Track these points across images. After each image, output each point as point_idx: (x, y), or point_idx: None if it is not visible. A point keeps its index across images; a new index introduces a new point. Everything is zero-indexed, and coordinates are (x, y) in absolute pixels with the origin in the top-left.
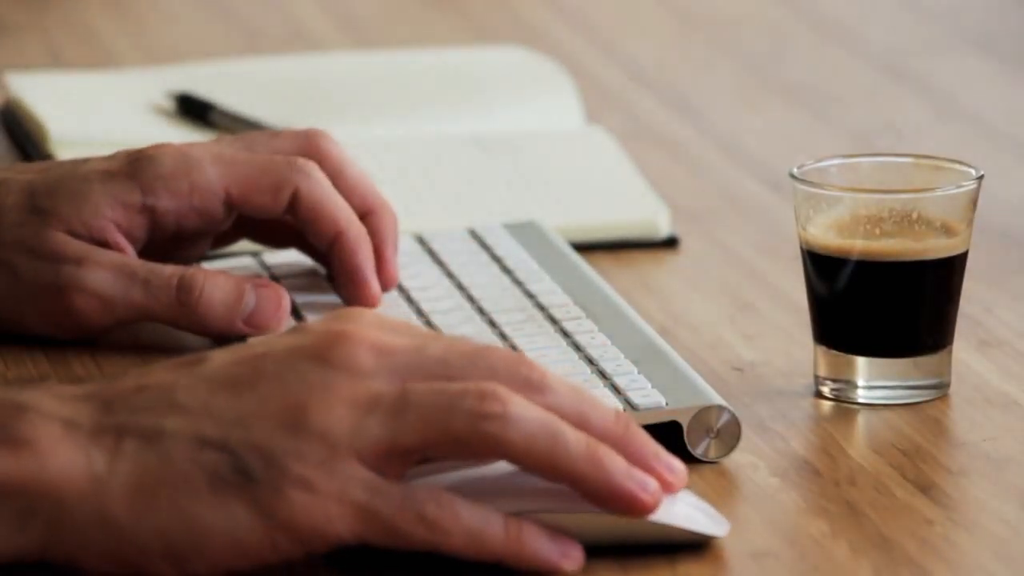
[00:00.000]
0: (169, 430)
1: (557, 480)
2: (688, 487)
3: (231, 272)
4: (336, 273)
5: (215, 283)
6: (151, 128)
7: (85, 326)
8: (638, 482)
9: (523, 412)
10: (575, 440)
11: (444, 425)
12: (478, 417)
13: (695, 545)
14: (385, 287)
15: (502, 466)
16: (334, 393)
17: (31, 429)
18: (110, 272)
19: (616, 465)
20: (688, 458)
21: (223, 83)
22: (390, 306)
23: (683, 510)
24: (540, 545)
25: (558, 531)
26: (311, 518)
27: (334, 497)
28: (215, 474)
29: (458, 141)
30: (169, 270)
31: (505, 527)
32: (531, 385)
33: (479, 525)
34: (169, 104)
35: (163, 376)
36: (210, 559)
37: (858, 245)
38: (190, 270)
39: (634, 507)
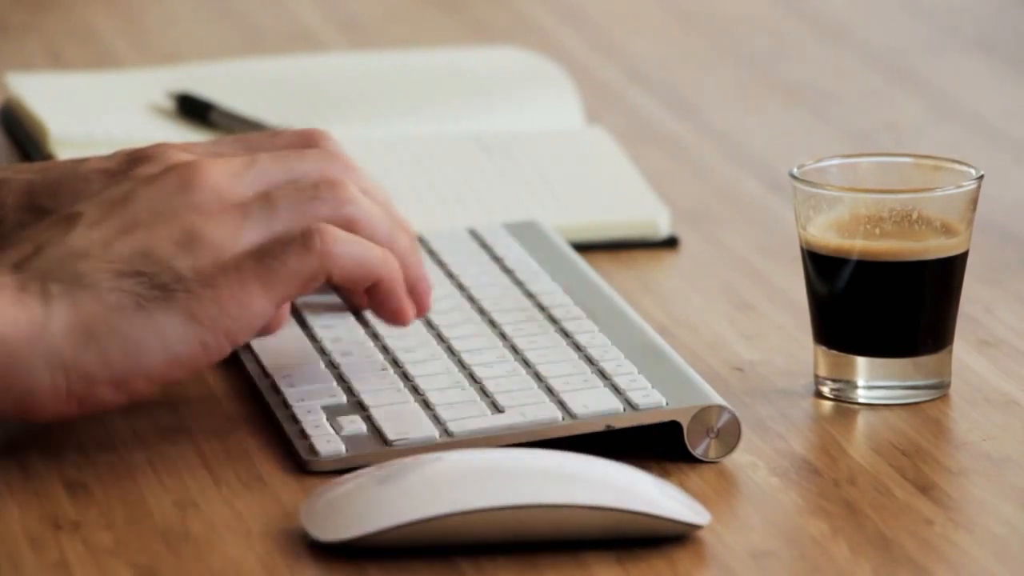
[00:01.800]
0: (85, 271)
1: (363, 271)
2: (683, 485)
3: None
4: (374, 310)
5: None
6: (151, 128)
7: None
8: (426, 286)
9: (365, 199)
10: (398, 232)
11: (312, 213)
12: (338, 203)
13: (683, 537)
14: (419, 313)
15: (499, 457)
16: (210, 210)
17: None
18: None
19: (418, 262)
20: (688, 458)
21: (223, 83)
22: None
23: (667, 503)
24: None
25: (554, 524)
26: (225, 307)
27: (235, 284)
28: (138, 296)
29: (458, 141)
30: None
31: (384, 253)
32: (354, 173)
33: (360, 249)
34: (169, 104)
35: (51, 235)
36: (149, 374)
37: (858, 245)
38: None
39: (420, 304)
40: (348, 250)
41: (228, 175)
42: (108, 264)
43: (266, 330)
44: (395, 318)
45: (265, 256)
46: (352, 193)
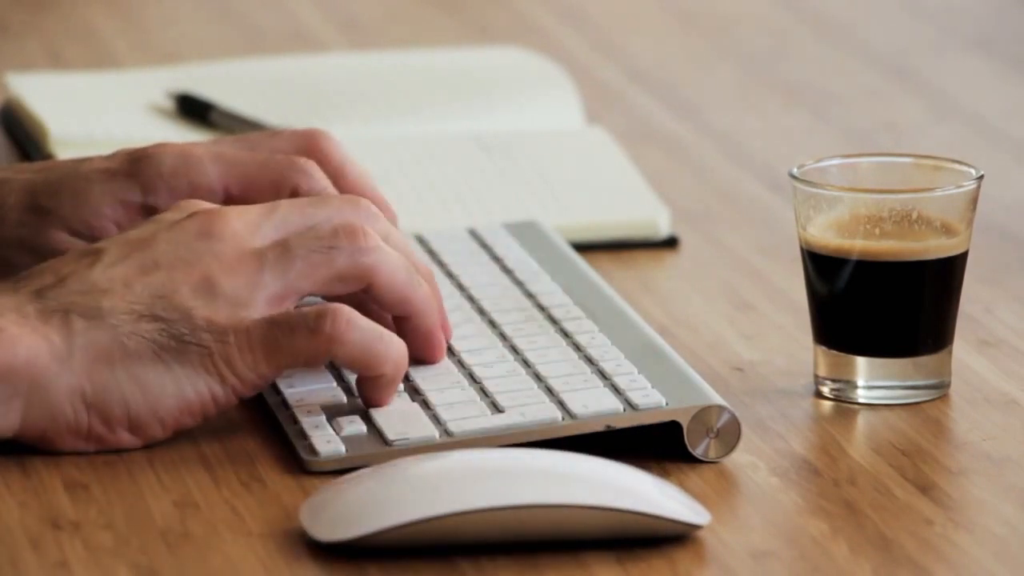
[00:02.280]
0: (106, 307)
1: (396, 308)
2: (683, 485)
3: None
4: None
5: None
6: (151, 128)
7: None
8: (442, 336)
9: (385, 246)
10: (418, 279)
11: (328, 263)
12: (356, 252)
13: (683, 537)
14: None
15: (498, 457)
16: (228, 259)
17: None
18: None
19: (436, 310)
20: (688, 458)
21: (223, 83)
22: None
23: (667, 503)
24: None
25: (554, 524)
26: (233, 365)
27: (244, 346)
28: (155, 342)
29: (458, 141)
30: None
31: (395, 342)
32: (375, 221)
33: (370, 337)
34: (169, 104)
35: (73, 267)
36: (163, 420)
37: (858, 245)
38: None
39: (434, 354)
40: (357, 338)
41: (248, 223)
42: (128, 304)
43: None
44: (375, 403)
45: (275, 327)
46: (371, 242)
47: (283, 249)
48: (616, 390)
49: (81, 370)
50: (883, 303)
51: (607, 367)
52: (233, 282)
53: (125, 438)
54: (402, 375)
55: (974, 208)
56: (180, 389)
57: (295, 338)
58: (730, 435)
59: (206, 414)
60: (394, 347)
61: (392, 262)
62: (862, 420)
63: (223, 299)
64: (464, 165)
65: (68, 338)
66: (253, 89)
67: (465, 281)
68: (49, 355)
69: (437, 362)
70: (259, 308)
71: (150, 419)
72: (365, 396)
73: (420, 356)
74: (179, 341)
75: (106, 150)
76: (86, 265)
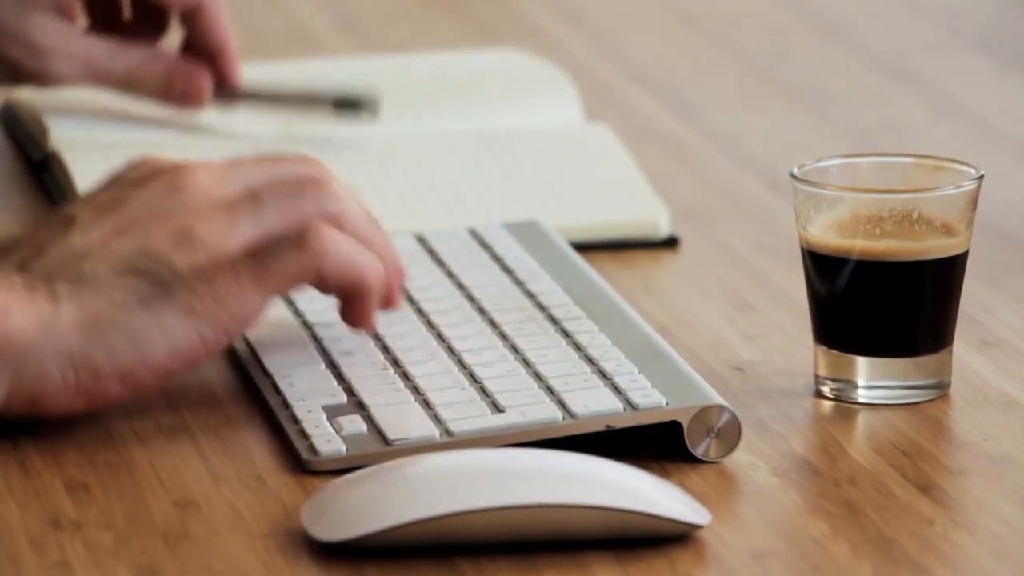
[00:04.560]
0: (87, 270)
1: (354, 271)
2: (683, 485)
3: None
4: (345, 312)
5: None
6: (151, 128)
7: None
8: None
9: (347, 197)
10: (376, 227)
11: (298, 209)
12: (322, 199)
13: (683, 537)
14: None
15: (498, 457)
16: (200, 209)
17: None
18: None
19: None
20: (688, 458)
21: None
22: None
23: (667, 503)
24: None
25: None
26: (223, 303)
27: (232, 282)
28: (140, 292)
29: (458, 140)
30: None
31: (371, 257)
32: (332, 175)
33: (351, 247)
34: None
35: (50, 237)
36: (153, 368)
37: (858, 245)
38: None
39: (364, 325)
40: (341, 248)
41: (213, 176)
42: (109, 263)
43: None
44: (364, 323)
45: (260, 254)
46: (335, 190)
47: (254, 197)
48: (616, 390)
49: (69, 333)
50: (883, 303)
51: (607, 367)
52: (209, 229)
53: (114, 389)
54: (381, 286)
55: (974, 208)
56: (168, 336)
57: (282, 259)
58: (730, 435)
59: (196, 360)
60: (373, 259)
61: (355, 209)
62: (862, 420)
63: (202, 245)
64: (464, 164)
65: (55, 304)
66: None
67: (465, 281)
68: (38, 323)
69: (394, 306)
70: (237, 253)
71: (139, 368)
72: (353, 318)
73: (372, 316)
74: (164, 288)
75: (106, 151)
76: (62, 232)
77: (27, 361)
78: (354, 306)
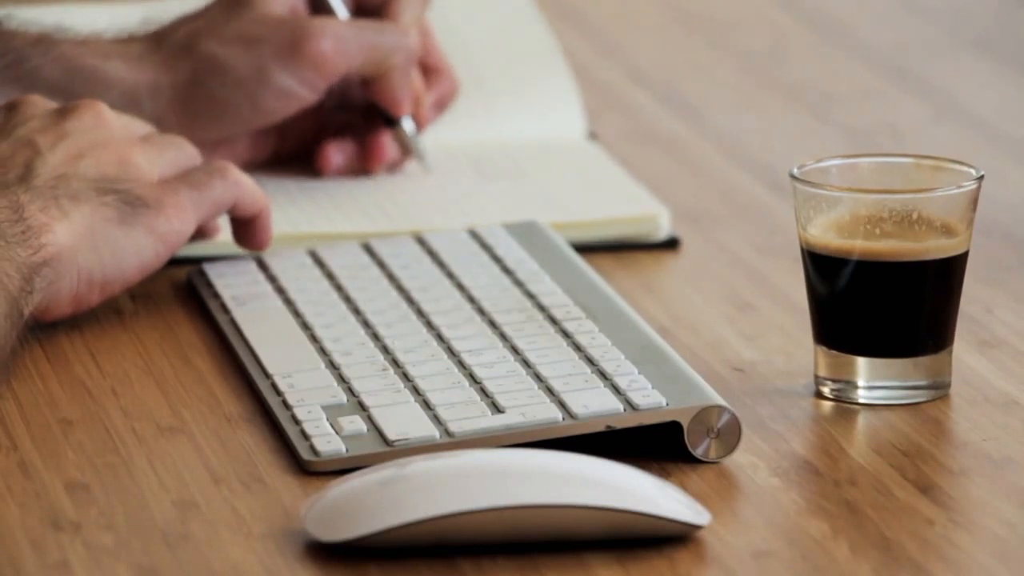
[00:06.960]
0: (75, 187)
1: (258, 201)
2: (683, 485)
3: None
4: (246, 236)
5: None
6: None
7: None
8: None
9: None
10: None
11: (195, 157)
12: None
13: (683, 537)
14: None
15: (498, 457)
16: (130, 139)
17: (33, 216)
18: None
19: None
20: (688, 458)
21: None
22: (390, 306)
23: (667, 503)
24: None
25: (552, 525)
26: (172, 224)
27: (177, 205)
28: (119, 209)
29: (457, 163)
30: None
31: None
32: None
33: (252, 183)
34: None
35: (23, 157)
36: (126, 279)
37: (858, 245)
38: None
39: (262, 242)
40: (246, 179)
41: (117, 115)
42: (87, 182)
43: (204, 235)
44: (266, 241)
45: (195, 185)
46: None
47: (162, 135)
48: (616, 390)
49: (81, 244)
50: (883, 303)
51: (607, 367)
52: (144, 157)
53: (95, 299)
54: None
55: (974, 208)
56: (139, 251)
57: (213, 188)
58: (730, 435)
59: (150, 273)
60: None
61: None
62: (862, 420)
63: (140, 172)
64: (465, 168)
65: (68, 220)
66: None
67: (465, 282)
68: (67, 237)
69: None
70: (173, 180)
71: (117, 279)
72: (257, 239)
73: (270, 234)
74: (133, 208)
75: None
76: (32, 154)
77: (61, 274)
78: (257, 228)
